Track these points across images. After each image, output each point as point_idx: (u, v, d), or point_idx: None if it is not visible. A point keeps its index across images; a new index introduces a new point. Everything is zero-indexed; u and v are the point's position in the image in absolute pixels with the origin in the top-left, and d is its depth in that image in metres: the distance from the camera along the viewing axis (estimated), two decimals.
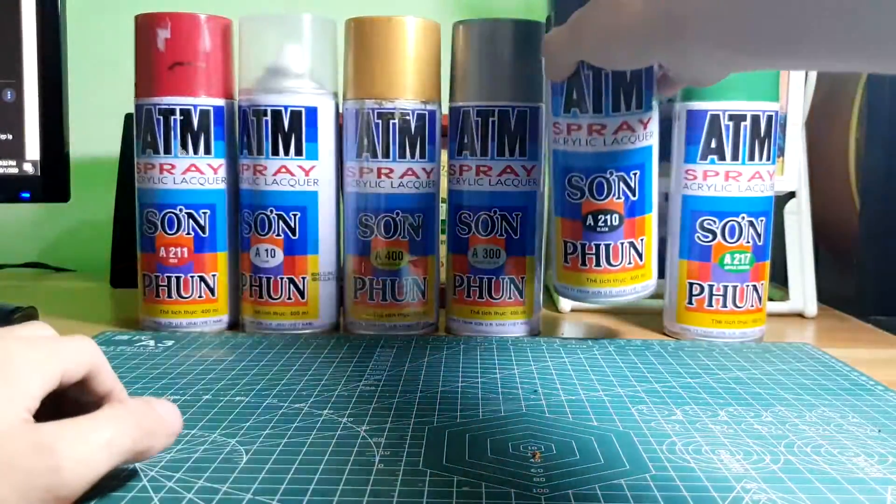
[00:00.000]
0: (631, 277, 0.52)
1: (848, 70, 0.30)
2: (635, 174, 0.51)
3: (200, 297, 0.58)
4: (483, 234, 0.57)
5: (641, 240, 0.52)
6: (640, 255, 0.52)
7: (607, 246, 0.51)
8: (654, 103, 0.51)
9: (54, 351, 0.29)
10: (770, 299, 0.65)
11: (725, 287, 0.57)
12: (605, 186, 0.50)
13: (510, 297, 0.57)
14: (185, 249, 0.58)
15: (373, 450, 0.35)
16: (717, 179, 0.56)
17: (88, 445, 0.27)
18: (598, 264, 0.51)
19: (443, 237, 0.61)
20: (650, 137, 0.51)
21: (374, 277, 0.57)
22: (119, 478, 0.31)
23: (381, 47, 0.56)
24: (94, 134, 0.86)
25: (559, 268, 0.54)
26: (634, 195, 0.51)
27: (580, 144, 0.50)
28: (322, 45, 0.58)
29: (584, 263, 0.52)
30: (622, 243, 0.51)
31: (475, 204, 0.57)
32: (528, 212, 0.57)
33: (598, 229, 0.51)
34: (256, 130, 0.57)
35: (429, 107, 0.57)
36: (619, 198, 0.50)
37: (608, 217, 0.51)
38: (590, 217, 0.51)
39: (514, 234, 0.56)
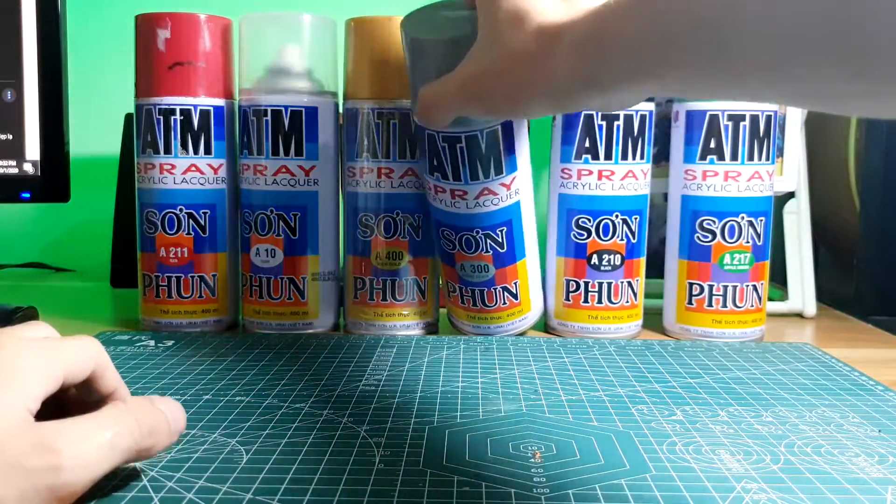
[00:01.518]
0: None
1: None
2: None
3: (200, 297, 0.58)
4: (468, 252, 0.55)
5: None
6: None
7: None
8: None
9: (57, 352, 0.29)
10: (770, 299, 0.65)
11: (725, 287, 0.57)
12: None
13: (505, 303, 0.57)
14: (186, 249, 0.58)
15: (373, 450, 0.35)
16: (716, 179, 0.56)
17: (90, 445, 0.28)
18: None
19: None
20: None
21: (374, 277, 0.57)
22: (119, 478, 0.31)
23: (381, 47, 0.56)
24: (94, 134, 0.86)
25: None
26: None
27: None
28: (322, 45, 0.58)
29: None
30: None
31: (458, 224, 0.55)
32: (512, 225, 0.55)
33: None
34: (256, 130, 0.57)
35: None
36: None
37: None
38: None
39: (500, 248, 0.55)
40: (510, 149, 0.54)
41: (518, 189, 0.55)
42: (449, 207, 0.54)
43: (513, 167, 0.54)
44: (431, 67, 0.45)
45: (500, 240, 0.55)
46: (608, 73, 0.33)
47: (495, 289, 0.56)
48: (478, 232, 0.54)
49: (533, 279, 0.58)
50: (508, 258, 0.56)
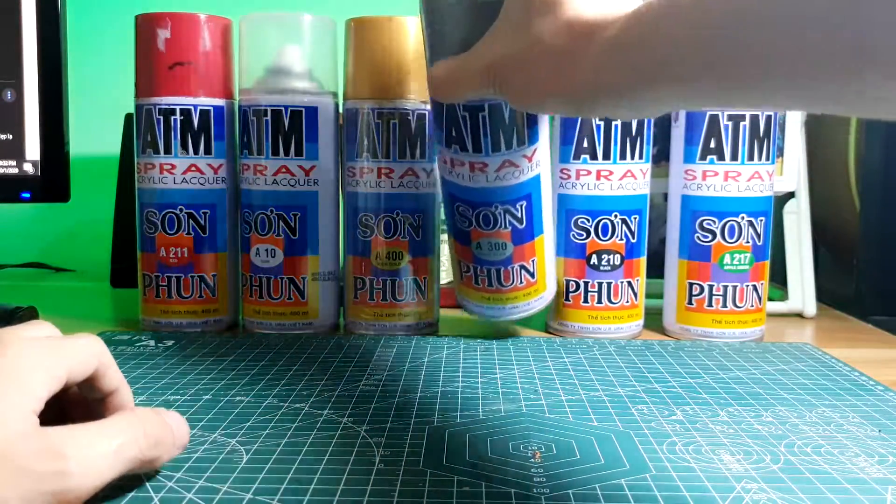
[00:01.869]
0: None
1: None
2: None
3: (200, 297, 0.58)
4: (486, 228, 0.53)
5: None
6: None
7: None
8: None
9: (59, 351, 0.29)
10: (770, 299, 0.65)
11: (725, 287, 0.57)
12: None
13: (521, 282, 0.55)
14: (186, 249, 0.58)
15: (373, 450, 0.35)
16: (716, 179, 0.56)
17: (97, 452, 0.27)
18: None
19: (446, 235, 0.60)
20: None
21: (374, 277, 0.57)
22: (119, 477, 0.31)
23: (381, 47, 0.56)
24: (94, 134, 0.86)
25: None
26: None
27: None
28: (322, 45, 0.58)
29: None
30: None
31: (475, 200, 0.53)
32: (532, 200, 0.53)
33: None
34: (256, 130, 0.57)
35: (429, 107, 0.57)
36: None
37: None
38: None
39: (519, 224, 0.53)
40: (533, 118, 0.51)
41: (539, 161, 0.52)
42: (467, 182, 0.51)
43: (535, 138, 0.51)
44: (453, 34, 0.42)
45: (519, 215, 0.52)
46: (639, 79, 0.31)
47: (512, 267, 0.54)
48: (497, 207, 0.52)
49: (549, 257, 0.56)
50: (527, 234, 0.53)
